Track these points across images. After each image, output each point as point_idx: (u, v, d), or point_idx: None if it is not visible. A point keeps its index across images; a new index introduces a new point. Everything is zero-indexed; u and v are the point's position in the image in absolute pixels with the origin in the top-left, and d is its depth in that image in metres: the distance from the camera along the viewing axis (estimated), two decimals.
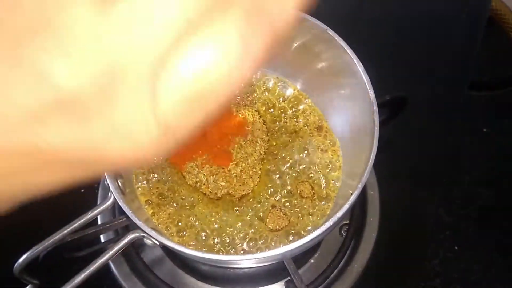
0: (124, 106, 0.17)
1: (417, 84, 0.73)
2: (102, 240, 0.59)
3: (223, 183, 0.54)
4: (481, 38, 0.76)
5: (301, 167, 0.55)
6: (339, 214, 0.42)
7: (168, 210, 0.53)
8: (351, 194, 0.44)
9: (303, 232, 0.52)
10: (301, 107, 0.59)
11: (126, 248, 0.45)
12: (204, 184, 0.54)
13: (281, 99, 0.59)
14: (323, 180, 0.55)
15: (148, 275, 0.57)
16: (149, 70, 0.16)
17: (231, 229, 0.52)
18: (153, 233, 0.42)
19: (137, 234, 0.44)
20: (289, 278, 0.54)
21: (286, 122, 0.58)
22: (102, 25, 0.15)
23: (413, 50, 0.75)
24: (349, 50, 0.49)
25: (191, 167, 0.55)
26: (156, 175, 0.54)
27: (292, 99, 0.59)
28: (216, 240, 0.51)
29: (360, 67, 0.48)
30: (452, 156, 0.69)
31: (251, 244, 0.51)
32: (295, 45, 0.55)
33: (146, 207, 0.53)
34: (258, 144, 0.56)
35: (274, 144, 0.57)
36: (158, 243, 0.43)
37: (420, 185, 0.66)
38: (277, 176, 0.55)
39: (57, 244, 0.44)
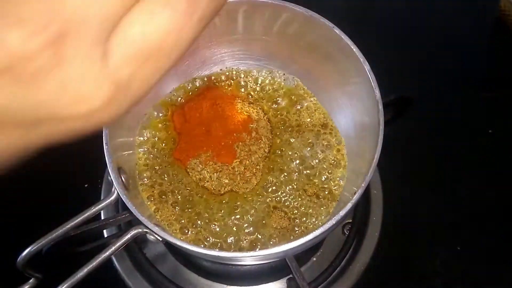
0: (75, 66, 0.17)
1: (422, 84, 0.72)
2: (105, 235, 0.59)
3: (226, 180, 0.54)
4: (488, 38, 0.75)
5: (305, 165, 0.55)
6: (342, 212, 0.42)
7: (171, 206, 0.53)
8: (355, 193, 0.44)
9: (305, 230, 0.52)
10: (306, 105, 0.59)
11: (129, 244, 0.45)
12: (207, 181, 0.54)
13: (286, 96, 0.59)
14: (327, 179, 0.54)
15: (150, 270, 0.57)
16: (99, 31, 0.17)
17: (234, 226, 0.52)
18: (156, 229, 0.42)
19: (140, 230, 0.44)
20: (291, 276, 0.54)
21: (291, 120, 0.58)
22: None
23: (419, 50, 0.75)
24: (355, 49, 0.49)
25: (195, 163, 0.55)
26: (159, 172, 0.54)
27: (297, 97, 0.59)
28: (218, 237, 0.51)
29: (366, 66, 0.48)
30: (456, 157, 0.68)
31: (253, 241, 0.51)
32: (302, 43, 0.55)
33: (149, 203, 0.53)
34: (262, 141, 0.56)
35: (278, 141, 0.56)
36: (160, 239, 0.43)
37: (424, 185, 0.66)
38: (281, 174, 0.55)
39: (60, 238, 0.44)
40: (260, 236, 0.52)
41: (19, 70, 0.16)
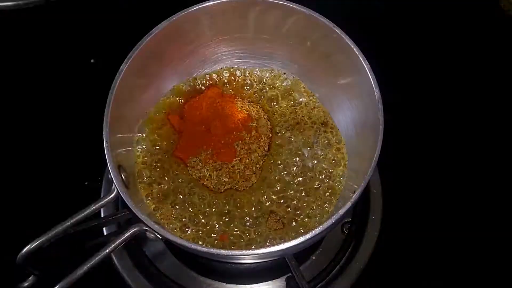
0: None
1: (422, 83, 0.72)
2: (105, 233, 0.59)
3: (226, 179, 0.54)
4: (488, 37, 0.75)
5: (305, 164, 0.55)
6: (342, 211, 0.42)
7: (170, 205, 0.53)
8: (354, 191, 0.44)
9: (305, 229, 0.52)
10: (306, 104, 0.59)
11: (129, 242, 0.45)
12: (207, 179, 0.54)
13: (286, 95, 0.59)
14: (327, 177, 0.54)
15: (150, 268, 0.57)
16: None
17: (234, 224, 0.52)
18: (155, 227, 0.42)
19: (140, 228, 0.44)
20: (290, 274, 0.54)
21: (291, 119, 0.58)
22: None
23: (420, 50, 0.75)
24: (355, 48, 0.49)
25: (195, 161, 0.55)
26: (159, 170, 0.54)
27: (297, 96, 0.59)
28: (218, 235, 0.51)
29: (366, 66, 0.48)
30: (456, 157, 0.68)
31: (253, 239, 0.51)
32: (302, 42, 0.55)
33: (148, 201, 0.53)
34: (262, 140, 0.56)
35: (279, 140, 0.57)
36: (160, 237, 0.43)
37: (423, 184, 0.66)
38: (281, 172, 0.55)
39: (60, 235, 0.44)
40: (259, 234, 0.52)
41: None
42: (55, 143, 0.67)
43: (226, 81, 0.60)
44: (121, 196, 0.44)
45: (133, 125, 0.55)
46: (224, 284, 0.58)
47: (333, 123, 0.58)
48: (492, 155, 0.68)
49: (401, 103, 0.66)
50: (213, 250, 0.42)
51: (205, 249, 0.42)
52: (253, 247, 0.51)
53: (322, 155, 0.56)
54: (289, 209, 0.53)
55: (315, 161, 0.55)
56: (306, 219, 0.52)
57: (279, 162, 0.55)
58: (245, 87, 0.60)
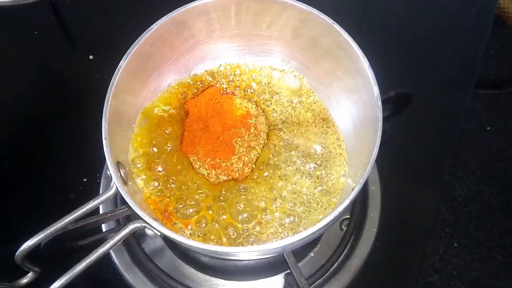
0: None
1: (422, 81, 0.72)
2: (104, 230, 0.59)
3: (225, 177, 0.54)
4: (488, 36, 0.75)
5: (304, 160, 0.55)
6: (340, 208, 0.42)
7: (170, 201, 0.53)
8: (353, 188, 0.44)
9: (304, 225, 0.52)
10: (305, 101, 0.59)
11: (127, 238, 0.45)
12: (205, 178, 0.54)
13: (285, 92, 0.59)
14: (326, 174, 0.54)
15: (148, 265, 0.57)
16: None
17: (233, 221, 0.52)
18: (154, 223, 0.42)
19: (138, 224, 0.44)
20: (288, 271, 0.54)
21: (290, 115, 0.58)
22: None
23: (419, 47, 0.75)
24: (354, 45, 0.49)
25: (193, 160, 0.55)
26: (157, 166, 0.54)
27: (296, 93, 0.59)
28: (216, 231, 0.51)
29: (365, 62, 0.48)
30: (455, 154, 0.69)
31: (252, 236, 0.51)
32: (301, 39, 0.55)
33: (147, 197, 0.53)
34: (261, 137, 0.56)
35: (278, 137, 0.56)
36: (159, 234, 0.43)
37: (422, 182, 0.66)
38: (280, 169, 0.55)
39: (59, 232, 0.44)
40: (259, 231, 0.52)
41: None
42: (54, 140, 0.67)
43: (225, 78, 0.60)
44: (120, 193, 0.44)
45: (132, 122, 0.55)
46: (222, 280, 0.58)
47: (333, 120, 0.58)
48: (490, 152, 0.69)
49: (400, 100, 0.66)
50: (212, 247, 0.42)
51: (203, 246, 0.42)
52: (251, 244, 0.51)
53: (322, 151, 0.56)
54: (288, 206, 0.53)
55: (315, 158, 0.55)
56: (304, 216, 0.52)
57: (278, 159, 0.55)
58: (244, 84, 0.60)
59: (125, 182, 0.47)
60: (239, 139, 0.56)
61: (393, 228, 0.62)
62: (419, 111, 0.70)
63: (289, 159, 0.55)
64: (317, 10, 0.50)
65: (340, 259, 0.59)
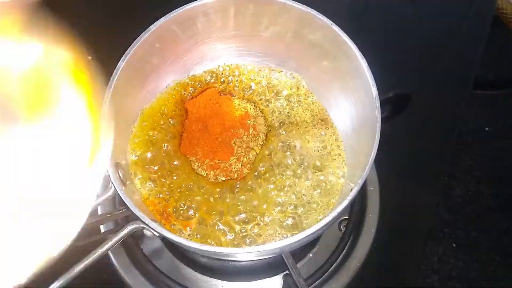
0: None
1: (420, 82, 0.73)
2: (102, 231, 0.59)
3: (223, 178, 0.54)
4: (486, 37, 0.75)
5: (303, 161, 0.55)
6: (339, 209, 0.42)
7: (168, 202, 0.53)
8: (351, 189, 0.44)
9: (302, 226, 0.52)
10: (304, 102, 0.59)
11: (126, 239, 0.45)
12: (204, 179, 0.54)
13: (284, 93, 0.59)
14: (325, 175, 0.54)
15: (147, 266, 0.57)
16: None
17: (231, 222, 0.52)
18: (153, 224, 0.42)
19: (137, 225, 0.44)
20: (287, 271, 0.54)
21: (289, 116, 0.58)
22: None
23: (417, 48, 0.75)
24: (353, 46, 0.49)
25: (192, 161, 0.55)
26: (156, 166, 0.54)
27: (295, 93, 0.59)
28: (215, 233, 0.51)
29: (364, 63, 0.48)
30: (453, 154, 0.69)
31: (251, 237, 0.51)
32: (300, 40, 0.55)
33: (146, 198, 0.53)
34: (260, 138, 0.56)
35: (276, 138, 0.56)
36: (157, 235, 0.43)
37: (421, 183, 0.66)
38: (279, 170, 0.55)
39: None
40: (257, 232, 0.52)
41: None
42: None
43: (223, 78, 0.60)
44: (118, 194, 0.44)
45: (130, 122, 0.55)
46: (221, 281, 0.58)
47: (331, 120, 0.58)
48: (488, 153, 0.69)
49: (399, 101, 0.66)
50: (210, 248, 0.42)
51: (202, 247, 0.42)
52: (250, 245, 0.51)
53: (320, 152, 0.56)
54: (286, 207, 0.53)
55: (314, 158, 0.55)
56: (303, 217, 0.52)
57: (277, 159, 0.55)
58: (243, 85, 0.60)
59: (123, 183, 0.47)
60: (237, 139, 0.56)
61: (391, 228, 0.62)
62: (418, 112, 0.70)
63: (287, 160, 0.55)
64: (315, 11, 0.50)
65: (338, 260, 0.59)
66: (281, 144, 0.56)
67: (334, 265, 0.59)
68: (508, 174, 0.67)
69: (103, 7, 0.78)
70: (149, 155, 0.54)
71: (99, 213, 0.59)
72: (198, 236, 0.51)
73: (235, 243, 0.51)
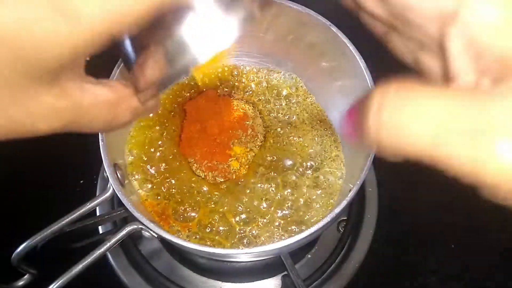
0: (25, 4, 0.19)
1: (419, 82, 0.73)
2: (100, 231, 0.59)
3: (221, 179, 0.54)
4: None
5: (301, 162, 0.55)
6: (337, 210, 0.42)
7: (167, 203, 0.53)
8: (350, 190, 0.44)
9: (301, 227, 0.52)
10: (302, 102, 0.59)
11: (124, 240, 0.45)
12: (203, 180, 0.54)
13: (282, 93, 0.59)
14: (323, 175, 0.55)
15: (145, 267, 0.57)
16: None
17: (230, 223, 0.52)
18: (151, 225, 0.42)
19: (135, 226, 0.44)
20: (285, 272, 0.54)
21: (287, 117, 0.58)
22: None
23: None
24: (351, 47, 0.49)
25: (190, 162, 0.55)
26: (154, 167, 0.54)
27: (293, 94, 0.59)
28: (214, 234, 0.51)
29: (362, 64, 0.48)
30: None
31: (249, 238, 0.51)
32: (298, 41, 0.55)
33: (144, 199, 0.53)
34: (258, 139, 0.56)
35: (275, 139, 0.56)
36: (156, 236, 0.43)
37: (419, 183, 0.66)
38: (277, 171, 0.55)
39: (56, 234, 0.44)
40: (256, 233, 0.52)
41: None
42: (51, 141, 0.67)
43: (221, 79, 0.60)
44: (116, 195, 0.44)
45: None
46: (219, 282, 0.58)
47: (330, 121, 0.58)
48: None
49: None
50: (209, 249, 0.42)
51: (200, 248, 0.42)
52: (249, 246, 0.51)
53: (319, 153, 0.56)
54: (285, 208, 0.53)
55: (312, 159, 0.55)
56: (302, 218, 0.52)
57: (275, 160, 0.55)
58: (241, 86, 0.60)
59: (122, 184, 0.47)
60: (236, 140, 0.56)
61: (390, 229, 0.62)
62: None
63: (286, 161, 0.55)
64: (314, 12, 0.50)
65: (337, 261, 0.59)
66: (279, 144, 0.56)
67: (332, 266, 0.59)
68: None
69: None
70: (147, 156, 0.54)
71: (98, 214, 0.59)
72: (197, 237, 0.51)
73: (234, 244, 0.51)
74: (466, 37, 0.21)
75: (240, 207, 0.52)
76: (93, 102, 0.25)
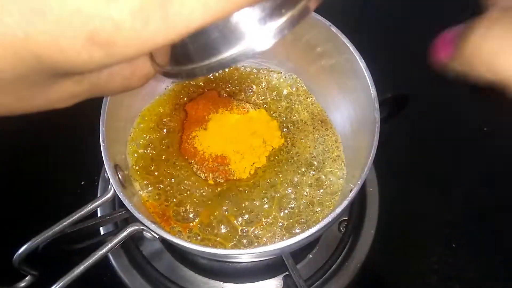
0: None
1: (419, 82, 0.72)
2: (102, 233, 0.59)
3: (223, 180, 0.54)
4: None
5: (303, 163, 0.55)
6: (338, 210, 0.42)
7: (168, 204, 0.53)
8: (351, 190, 0.44)
9: (302, 228, 0.52)
10: (303, 103, 0.59)
11: (126, 241, 0.45)
12: (204, 181, 0.54)
13: (283, 94, 0.59)
14: (325, 176, 0.55)
15: (147, 268, 0.57)
16: None
17: (231, 223, 0.52)
18: (152, 226, 0.42)
19: (137, 227, 0.44)
20: (287, 273, 0.54)
21: (288, 118, 0.58)
22: None
23: (415, 48, 0.75)
24: (351, 47, 0.49)
25: (191, 163, 0.55)
26: (154, 168, 0.54)
27: (294, 95, 0.59)
28: (215, 234, 0.51)
29: (362, 64, 0.48)
30: (452, 155, 0.69)
31: (251, 238, 0.51)
32: (298, 41, 0.55)
33: (145, 200, 0.53)
34: (259, 139, 0.56)
35: (277, 140, 0.57)
36: (157, 236, 0.43)
37: (420, 183, 0.66)
38: (280, 172, 0.55)
39: (57, 235, 0.44)
40: (257, 233, 0.52)
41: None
42: (52, 143, 0.67)
43: (223, 80, 0.60)
44: (117, 196, 0.44)
45: (129, 124, 0.55)
46: (221, 283, 0.58)
47: (330, 121, 0.58)
48: (487, 153, 0.69)
49: (398, 101, 0.66)
50: (210, 249, 0.42)
51: (202, 248, 0.42)
52: (250, 246, 0.51)
53: (320, 153, 0.56)
54: (286, 208, 0.53)
55: (313, 160, 0.55)
56: (303, 218, 0.52)
57: (277, 161, 0.55)
58: (242, 87, 0.60)
59: (123, 185, 0.47)
60: (237, 142, 0.56)
61: (391, 229, 0.62)
62: (417, 112, 0.70)
63: (287, 161, 0.55)
64: (314, 12, 0.50)
65: (338, 261, 0.59)
66: (279, 145, 0.56)
67: (334, 266, 0.59)
68: (508, 173, 0.67)
69: None
70: (148, 157, 0.54)
71: (99, 215, 0.59)
72: (198, 237, 0.51)
73: (235, 244, 0.51)
74: None
75: (240, 208, 0.52)
76: (109, 79, 0.26)
